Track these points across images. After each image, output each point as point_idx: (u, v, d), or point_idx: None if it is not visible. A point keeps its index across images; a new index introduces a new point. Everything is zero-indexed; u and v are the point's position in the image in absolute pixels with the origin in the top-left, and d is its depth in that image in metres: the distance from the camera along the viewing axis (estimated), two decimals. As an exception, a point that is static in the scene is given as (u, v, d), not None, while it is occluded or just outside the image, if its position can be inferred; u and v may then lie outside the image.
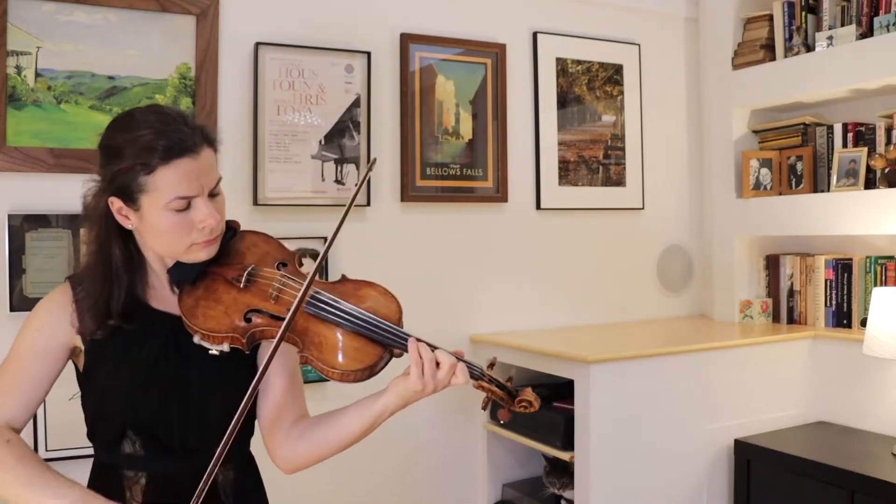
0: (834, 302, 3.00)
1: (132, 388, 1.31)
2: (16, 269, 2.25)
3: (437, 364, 1.32)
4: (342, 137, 2.70)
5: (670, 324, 3.29)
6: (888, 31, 2.72)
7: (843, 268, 2.97)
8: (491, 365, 1.41)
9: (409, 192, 2.81)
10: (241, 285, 1.33)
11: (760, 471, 2.66)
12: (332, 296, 1.34)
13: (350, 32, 2.74)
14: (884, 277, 2.84)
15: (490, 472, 2.96)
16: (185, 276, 1.33)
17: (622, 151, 3.28)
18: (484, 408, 1.42)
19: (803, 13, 3.06)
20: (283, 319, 1.27)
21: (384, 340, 1.32)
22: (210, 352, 1.31)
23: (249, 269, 1.35)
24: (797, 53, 3.04)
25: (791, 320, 3.17)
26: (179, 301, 1.32)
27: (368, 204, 2.74)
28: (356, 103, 2.72)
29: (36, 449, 2.27)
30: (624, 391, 2.53)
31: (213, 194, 1.30)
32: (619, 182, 3.27)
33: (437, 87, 2.88)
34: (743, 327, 3.13)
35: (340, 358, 1.30)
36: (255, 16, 2.59)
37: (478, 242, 2.98)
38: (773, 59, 3.14)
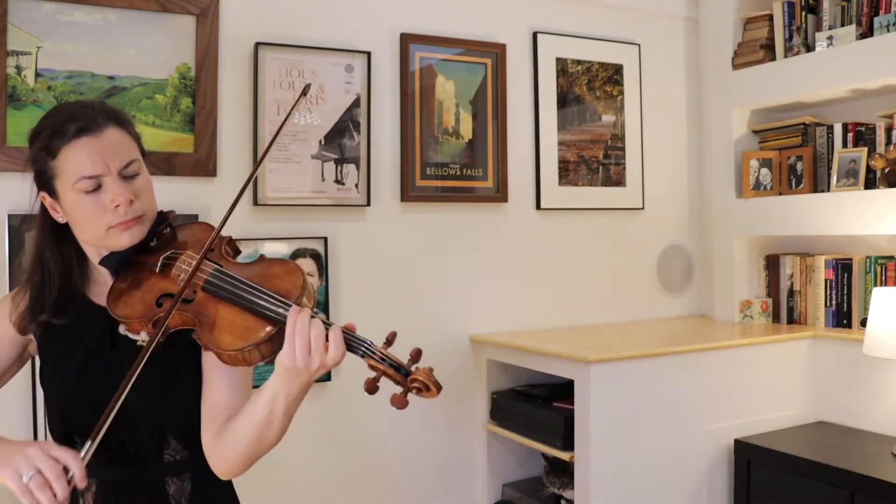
0: (834, 302, 3.00)
1: (67, 386, 1.30)
2: (16, 269, 2.25)
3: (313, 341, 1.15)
4: (342, 137, 2.70)
5: (670, 324, 3.29)
6: (888, 31, 2.72)
7: (843, 268, 2.97)
8: (389, 340, 1.18)
9: (409, 192, 2.81)
10: (157, 270, 1.29)
11: (760, 471, 2.66)
12: (232, 272, 1.25)
13: (350, 32, 2.74)
14: (884, 277, 2.84)
15: (490, 472, 2.96)
16: (112, 263, 1.31)
17: (622, 151, 3.28)
18: (368, 390, 1.16)
19: (803, 13, 3.06)
20: (191, 302, 1.22)
21: (272, 316, 1.18)
22: (136, 343, 1.26)
23: (167, 253, 1.31)
24: (797, 53, 3.04)
25: (791, 320, 3.17)
26: (108, 292, 1.29)
27: (368, 204, 2.74)
28: (356, 103, 2.72)
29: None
30: (624, 391, 2.53)
31: (128, 176, 1.28)
32: (619, 182, 3.27)
33: (437, 87, 2.88)
34: (743, 327, 3.13)
35: (228, 337, 1.19)
36: (255, 16, 2.59)
37: (478, 242, 2.98)
38: (773, 59, 3.14)
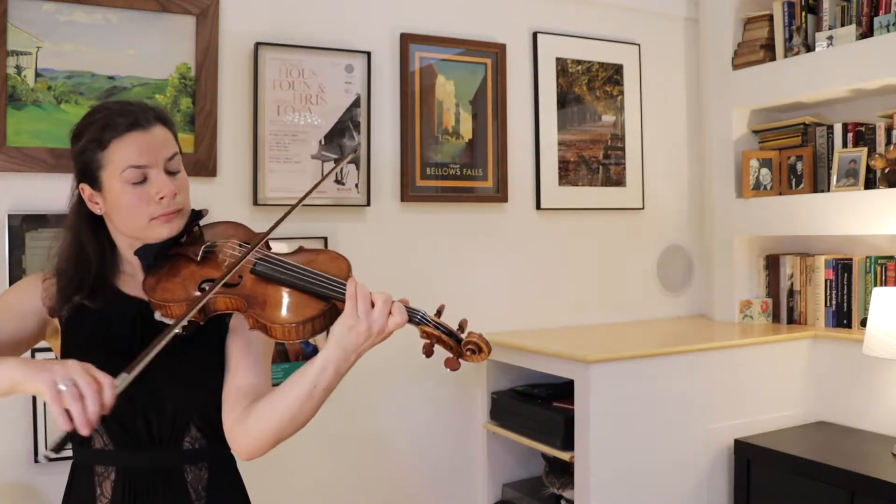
0: (834, 302, 3.00)
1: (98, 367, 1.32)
2: (16, 269, 2.25)
3: (373, 304, 1.25)
4: (342, 137, 2.70)
5: (670, 324, 3.29)
6: (888, 31, 2.72)
7: (843, 268, 2.97)
8: (438, 312, 1.32)
9: (409, 192, 2.81)
10: (198, 258, 1.36)
11: (760, 471, 2.66)
12: (278, 256, 1.35)
13: (350, 32, 2.74)
14: (884, 277, 2.84)
15: (490, 472, 2.96)
16: (149, 253, 1.37)
17: (622, 151, 3.28)
18: (426, 353, 1.29)
19: (803, 13, 3.06)
20: (236, 287, 1.29)
21: (325, 293, 1.29)
22: (175, 331, 1.28)
23: (208, 244, 1.39)
24: (797, 53, 3.04)
25: (791, 320, 3.17)
26: (144, 280, 1.35)
27: (368, 204, 2.74)
28: (356, 103, 2.72)
29: (36, 448, 2.27)
30: (624, 391, 2.53)
31: (171, 171, 1.36)
32: (619, 182, 3.27)
33: (437, 87, 2.88)
34: (743, 327, 3.13)
35: (282, 312, 1.28)
36: (255, 16, 2.59)
37: (478, 242, 2.98)
38: (773, 59, 3.14)
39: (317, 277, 1.30)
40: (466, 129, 2.94)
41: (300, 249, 1.42)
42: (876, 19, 2.77)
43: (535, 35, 3.09)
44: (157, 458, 1.34)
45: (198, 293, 1.30)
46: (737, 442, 2.73)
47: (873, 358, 2.63)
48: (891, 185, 2.73)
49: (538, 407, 2.70)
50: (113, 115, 1.33)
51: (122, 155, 1.31)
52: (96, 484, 1.33)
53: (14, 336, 1.35)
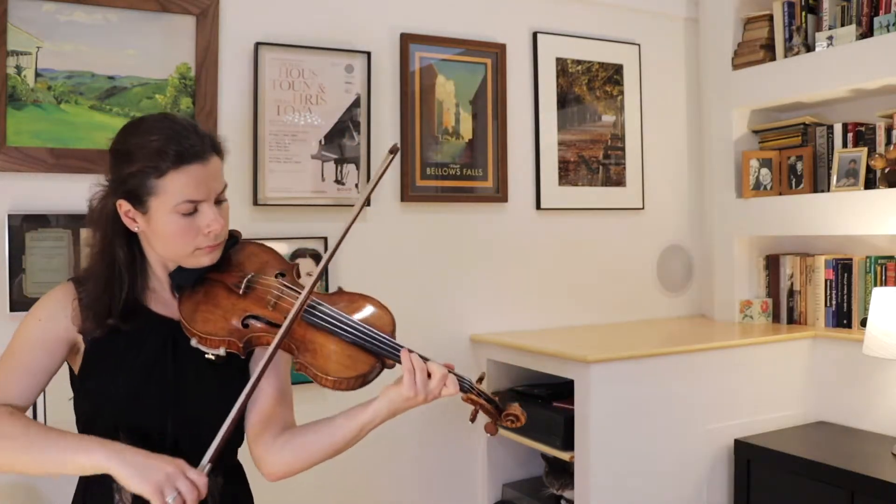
0: (834, 302, 3.00)
1: (129, 391, 1.33)
2: (16, 269, 2.25)
3: (429, 374, 1.36)
4: (342, 137, 2.70)
5: (670, 324, 3.29)
6: (888, 31, 2.71)
7: (843, 268, 2.97)
8: (480, 379, 1.45)
9: (409, 192, 2.81)
10: (241, 292, 1.37)
11: (760, 471, 2.66)
12: (329, 306, 1.39)
13: (350, 32, 2.74)
14: (884, 277, 2.84)
15: (490, 472, 2.96)
16: (186, 279, 1.36)
17: (622, 151, 3.28)
18: (472, 420, 1.46)
19: (803, 13, 3.06)
20: (280, 326, 1.31)
21: (377, 351, 1.36)
22: (206, 356, 1.33)
23: (249, 276, 1.39)
24: (797, 53, 3.04)
25: (791, 320, 3.17)
26: (179, 305, 1.35)
27: (368, 204, 2.74)
28: (356, 103, 2.72)
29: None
30: (624, 391, 2.53)
31: (218, 201, 1.35)
32: (619, 182, 3.27)
33: (437, 87, 2.88)
34: (743, 327, 3.13)
35: (334, 366, 1.33)
36: (255, 16, 2.59)
37: (478, 242, 2.98)
38: (773, 59, 3.14)
39: (369, 334, 1.36)
40: (466, 129, 2.94)
41: (340, 291, 1.45)
42: (876, 19, 2.77)
43: (535, 35, 3.09)
44: None
45: (241, 328, 1.34)
46: (737, 442, 2.73)
47: (873, 358, 2.63)
48: (891, 185, 2.73)
49: (538, 407, 2.70)
50: (171, 141, 1.28)
51: (178, 187, 1.28)
52: (114, 491, 1.33)
53: (45, 370, 1.35)
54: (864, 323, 2.80)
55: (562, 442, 2.56)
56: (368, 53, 2.73)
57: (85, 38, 2.35)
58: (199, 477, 1.20)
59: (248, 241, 1.49)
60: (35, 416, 2.27)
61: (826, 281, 3.02)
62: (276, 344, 1.29)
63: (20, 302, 2.26)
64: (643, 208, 3.33)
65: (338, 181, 2.68)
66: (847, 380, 2.87)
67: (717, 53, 3.34)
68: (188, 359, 1.35)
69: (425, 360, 1.37)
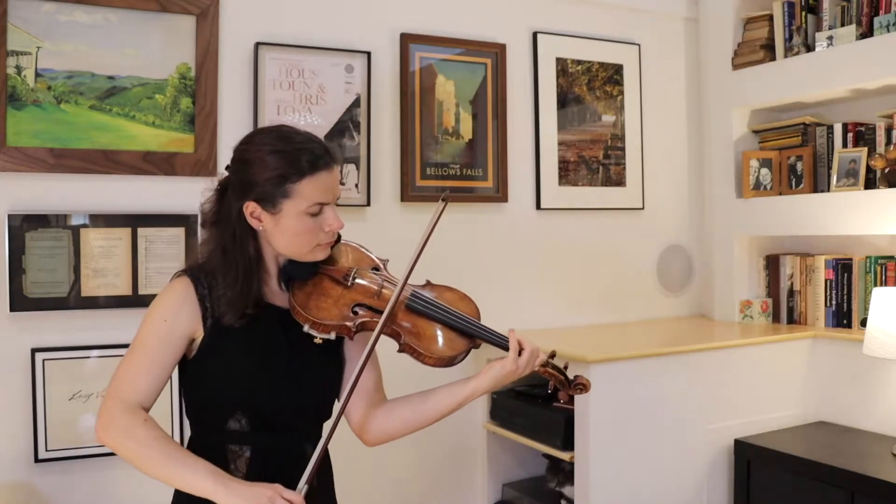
0: (834, 302, 3.00)
1: (251, 374, 1.47)
2: (16, 269, 2.25)
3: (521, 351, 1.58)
4: (342, 137, 2.70)
5: (670, 324, 3.29)
6: (888, 31, 2.72)
7: (843, 268, 2.97)
8: (552, 355, 1.66)
9: (409, 192, 2.81)
10: (349, 283, 1.54)
11: (760, 471, 2.66)
12: (427, 294, 1.60)
13: (350, 32, 2.74)
14: (884, 277, 2.84)
15: (490, 472, 2.96)
16: (300, 273, 1.52)
17: (622, 151, 3.28)
18: (550, 391, 1.80)
19: (803, 13, 3.06)
20: (382, 312, 1.49)
21: (472, 333, 1.58)
22: (315, 340, 1.48)
23: (355, 270, 1.57)
24: (797, 53, 3.04)
25: (791, 320, 3.17)
26: (292, 295, 1.49)
27: (368, 204, 2.74)
28: (356, 103, 2.72)
29: (36, 448, 2.27)
30: (624, 391, 2.53)
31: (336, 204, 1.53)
32: (619, 182, 3.27)
33: (437, 87, 2.88)
34: (743, 327, 3.13)
35: (437, 346, 1.55)
36: (255, 16, 2.59)
37: (478, 242, 2.98)
38: (773, 59, 3.14)
39: (465, 319, 1.58)
40: (466, 129, 2.94)
41: (429, 283, 1.65)
42: (876, 19, 2.77)
43: (535, 35, 3.09)
44: (288, 438, 1.51)
45: (351, 315, 1.51)
46: (737, 442, 2.73)
47: (873, 358, 2.63)
48: (891, 185, 2.73)
49: (538, 407, 2.70)
50: (304, 150, 1.44)
51: (312, 191, 1.44)
52: (229, 461, 1.46)
53: (170, 365, 1.47)
54: (864, 323, 2.80)
55: (562, 442, 2.56)
56: (368, 53, 2.73)
57: (85, 38, 2.35)
58: (295, 497, 1.33)
59: (343, 241, 1.65)
60: (34, 413, 2.27)
61: (826, 281, 3.03)
62: (379, 328, 1.46)
63: (20, 302, 2.26)
64: (643, 208, 3.33)
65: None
66: (847, 380, 2.87)
67: (717, 53, 3.34)
68: (296, 345, 1.50)
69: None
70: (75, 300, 2.32)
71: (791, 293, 3.18)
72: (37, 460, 2.27)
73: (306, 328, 1.47)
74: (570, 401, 1.74)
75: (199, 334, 1.47)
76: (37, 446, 2.27)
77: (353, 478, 2.73)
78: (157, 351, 1.44)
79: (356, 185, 2.71)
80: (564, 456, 2.55)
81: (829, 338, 2.92)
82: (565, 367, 1.67)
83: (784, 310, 3.19)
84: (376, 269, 1.63)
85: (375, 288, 1.56)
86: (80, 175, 2.34)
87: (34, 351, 2.27)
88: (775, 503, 2.61)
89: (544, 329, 3.08)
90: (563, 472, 2.72)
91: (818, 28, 3.02)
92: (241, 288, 1.45)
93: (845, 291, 2.96)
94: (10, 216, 2.25)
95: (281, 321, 1.50)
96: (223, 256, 1.48)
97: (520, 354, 1.58)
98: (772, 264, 3.25)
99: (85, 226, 2.33)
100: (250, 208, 1.46)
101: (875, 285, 2.83)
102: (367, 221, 2.76)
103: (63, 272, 2.30)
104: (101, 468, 2.34)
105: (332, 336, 1.49)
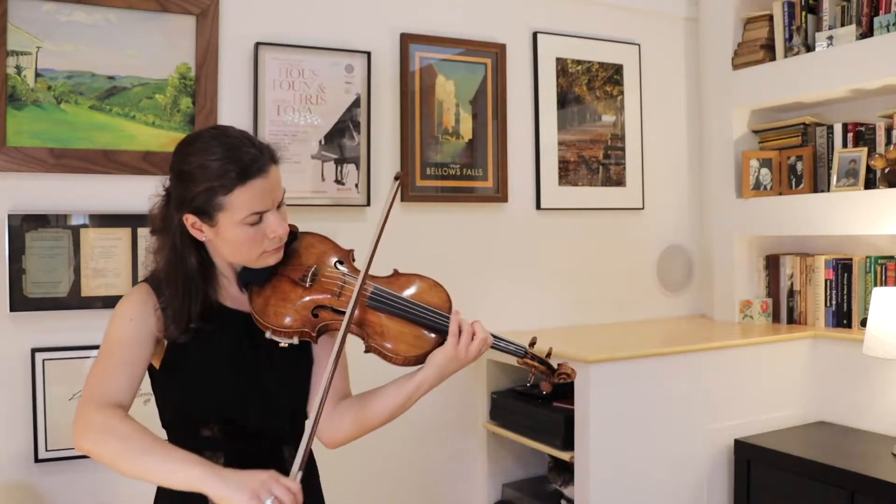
0: (834, 302, 3.00)
1: (217, 384, 1.44)
2: (16, 269, 2.25)
3: (473, 336, 1.48)
4: (342, 137, 2.70)
5: (670, 324, 3.29)
6: (888, 31, 2.71)
7: (843, 268, 2.97)
8: (532, 343, 1.57)
9: (409, 192, 2.81)
10: (307, 284, 1.47)
11: (760, 471, 2.66)
12: (389, 290, 1.49)
13: (350, 32, 2.74)
14: (884, 277, 2.84)
15: (490, 472, 2.96)
16: (255, 279, 1.46)
17: (622, 151, 3.28)
18: (529, 382, 1.63)
19: (803, 13, 3.06)
20: (345, 313, 1.42)
21: (438, 327, 1.48)
22: (280, 345, 1.44)
23: (313, 269, 1.50)
24: (797, 53, 3.04)
25: (791, 320, 3.17)
26: (250, 301, 1.45)
27: (368, 204, 2.74)
28: (356, 103, 2.72)
29: (36, 448, 2.27)
30: (624, 391, 2.53)
31: (279, 205, 1.44)
32: (619, 182, 3.27)
33: (437, 87, 2.88)
34: (743, 327, 3.13)
35: (403, 346, 1.46)
36: (255, 16, 2.59)
37: (478, 242, 2.98)
38: (773, 59, 3.14)
39: (428, 313, 1.48)
40: (466, 129, 2.94)
41: (396, 273, 1.55)
42: (876, 19, 2.77)
43: (535, 35, 3.09)
44: (261, 442, 1.47)
45: (312, 318, 1.45)
46: (737, 442, 2.73)
47: (873, 358, 2.63)
48: (891, 185, 2.73)
49: (538, 407, 2.70)
50: (232, 159, 1.35)
51: (244, 201, 1.36)
52: None
53: (143, 363, 1.42)
54: (864, 323, 2.80)
55: (562, 442, 2.56)
56: (368, 53, 2.73)
57: (85, 38, 2.35)
58: (292, 483, 1.27)
59: (304, 232, 1.58)
60: (35, 413, 2.27)
61: (826, 281, 3.02)
62: (343, 331, 1.37)
63: (20, 302, 2.26)
64: (643, 208, 3.33)
65: (338, 181, 2.68)
66: (847, 380, 2.87)
67: (717, 53, 3.34)
68: (261, 349, 1.46)
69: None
70: (75, 300, 2.32)
71: (791, 293, 3.18)
72: (37, 460, 2.27)
73: (268, 335, 1.43)
74: (554, 389, 1.60)
75: (163, 339, 1.44)
76: (37, 446, 2.27)
77: (352, 478, 2.73)
78: (127, 350, 1.40)
79: (356, 185, 2.71)
80: (564, 456, 2.55)
81: (829, 338, 2.92)
82: (548, 356, 1.59)
83: (784, 310, 3.19)
84: (341, 261, 1.54)
85: (336, 287, 1.49)
86: (80, 175, 2.34)
87: (34, 351, 2.27)
88: (775, 503, 2.62)
89: (544, 329, 3.08)
90: (567, 472, 2.71)
91: (818, 28, 3.02)
92: (180, 303, 1.40)
93: (845, 291, 2.96)
94: (10, 216, 2.25)
95: (245, 326, 1.46)
96: (167, 267, 1.43)
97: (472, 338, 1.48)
98: (772, 264, 3.25)
99: (85, 226, 2.33)
100: (190, 220, 1.40)
101: (875, 285, 2.83)
102: (367, 221, 2.76)
103: (63, 272, 2.30)
104: (101, 468, 2.32)
105: (296, 341, 1.44)
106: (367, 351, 1.48)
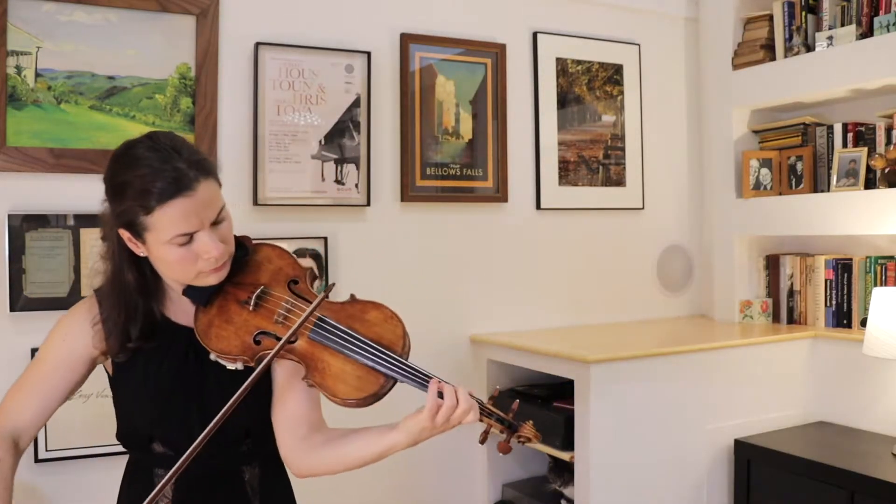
0: (834, 302, 3.00)
1: (156, 402, 1.37)
2: (16, 269, 2.25)
3: (455, 407, 1.32)
4: (342, 137, 2.70)
5: (670, 324, 3.29)
6: (888, 31, 2.71)
7: (843, 268, 2.97)
8: (492, 397, 1.42)
9: (409, 192, 2.81)
10: (251, 307, 1.36)
11: (760, 471, 2.66)
12: (336, 322, 1.35)
13: (350, 32, 2.74)
14: (884, 277, 2.84)
15: (490, 472, 2.96)
16: (198, 297, 1.36)
17: (622, 151, 3.28)
18: (482, 441, 1.41)
19: (803, 13, 3.06)
20: (292, 343, 1.32)
21: (388, 372, 1.32)
22: (227, 367, 1.35)
23: (260, 290, 1.38)
24: (797, 53, 3.04)
25: (791, 320, 3.17)
26: (195, 320, 1.36)
27: (368, 204, 2.74)
28: (356, 103, 2.72)
29: (36, 448, 2.27)
30: (624, 391, 2.53)
31: (216, 222, 1.31)
32: (619, 182, 3.27)
33: (437, 87, 2.88)
34: (743, 327, 3.13)
35: (343, 386, 1.31)
36: (255, 16, 2.59)
37: (478, 242, 2.98)
38: (773, 59, 3.14)
39: (376, 353, 1.32)
40: (466, 129, 2.93)
41: (352, 300, 1.41)
42: (876, 19, 2.77)
43: (535, 35, 3.09)
44: (216, 463, 1.39)
45: (253, 345, 1.33)
46: (737, 442, 2.73)
47: (873, 358, 2.63)
48: (891, 185, 2.73)
49: (538, 407, 2.70)
50: (155, 177, 1.24)
51: (167, 223, 1.25)
52: (156, 485, 1.34)
53: (66, 389, 1.38)
54: (864, 323, 2.80)
55: (562, 442, 2.56)
56: (368, 53, 2.73)
57: (85, 38, 2.35)
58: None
59: (261, 244, 1.46)
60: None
61: (826, 281, 3.02)
62: (268, 359, 1.29)
63: (20, 302, 2.26)
64: (643, 208, 3.33)
65: (338, 181, 2.68)
66: (847, 380, 2.87)
67: (717, 53, 3.34)
68: (209, 367, 1.37)
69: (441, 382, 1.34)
70: (75, 300, 2.30)
71: (791, 293, 3.18)
72: (37, 460, 2.27)
73: (213, 357, 1.35)
74: (509, 450, 1.41)
75: (108, 357, 1.38)
76: (37, 446, 2.27)
77: (352, 478, 2.73)
78: (49, 373, 1.35)
79: (356, 185, 2.71)
80: (564, 456, 2.55)
81: (829, 338, 2.92)
82: (510, 413, 1.40)
83: (784, 310, 3.19)
84: (295, 281, 1.40)
85: (281, 312, 1.36)
86: (80, 175, 2.34)
87: (34, 351, 2.27)
88: (775, 503, 2.62)
89: (544, 329, 3.08)
90: (567, 472, 2.71)
91: (818, 28, 3.02)
92: (117, 316, 1.34)
93: (845, 291, 2.96)
94: (10, 216, 2.25)
95: (192, 343, 1.37)
96: (110, 278, 1.36)
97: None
98: (772, 264, 3.25)
99: (85, 226, 2.33)
100: (125, 235, 1.31)
101: (875, 285, 2.83)
102: (366, 221, 2.76)
103: (63, 272, 2.30)
104: (101, 468, 2.34)
105: (240, 366, 1.34)
106: (309, 385, 1.34)
